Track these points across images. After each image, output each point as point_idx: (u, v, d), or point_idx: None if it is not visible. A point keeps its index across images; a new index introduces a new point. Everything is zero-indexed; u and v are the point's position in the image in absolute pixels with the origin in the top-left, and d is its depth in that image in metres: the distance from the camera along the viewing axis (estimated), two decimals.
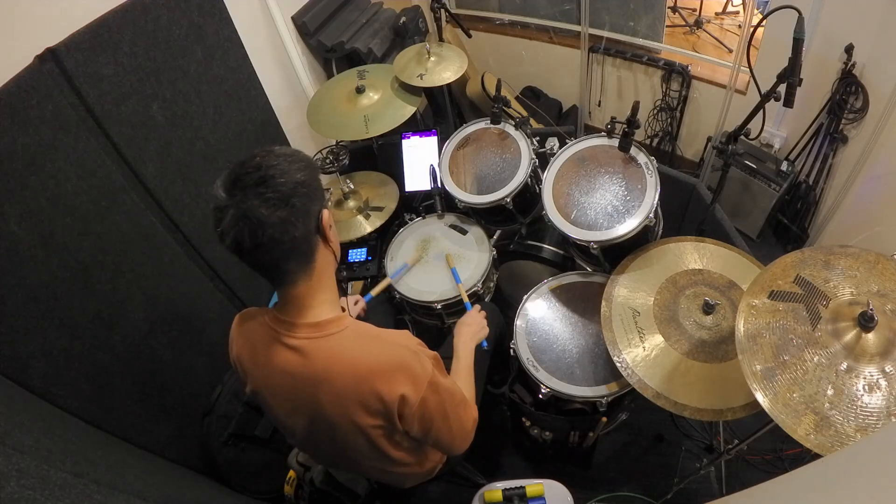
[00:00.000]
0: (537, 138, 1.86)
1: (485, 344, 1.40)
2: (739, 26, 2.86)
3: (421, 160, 2.07)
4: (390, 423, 0.97)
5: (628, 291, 1.46)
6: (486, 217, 1.90)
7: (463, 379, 1.20)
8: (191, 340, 1.69)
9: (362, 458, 1.07)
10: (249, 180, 0.81)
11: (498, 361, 1.63)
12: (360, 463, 1.10)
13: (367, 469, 1.14)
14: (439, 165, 1.87)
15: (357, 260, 2.02)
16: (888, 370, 0.95)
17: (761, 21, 1.52)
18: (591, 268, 1.71)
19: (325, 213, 0.91)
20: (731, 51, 2.75)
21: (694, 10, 3.04)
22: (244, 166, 0.83)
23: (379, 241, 2.05)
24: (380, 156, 2.33)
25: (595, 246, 1.46)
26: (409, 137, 2.10)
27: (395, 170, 2.15)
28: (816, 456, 0.86)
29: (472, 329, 1.35)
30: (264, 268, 0.89)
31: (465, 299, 1.65)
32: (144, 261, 1.52)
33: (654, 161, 1.48)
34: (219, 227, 0.82)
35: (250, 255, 0.84)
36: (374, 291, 1.65)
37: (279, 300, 0.96)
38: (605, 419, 1.44)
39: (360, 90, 2.08)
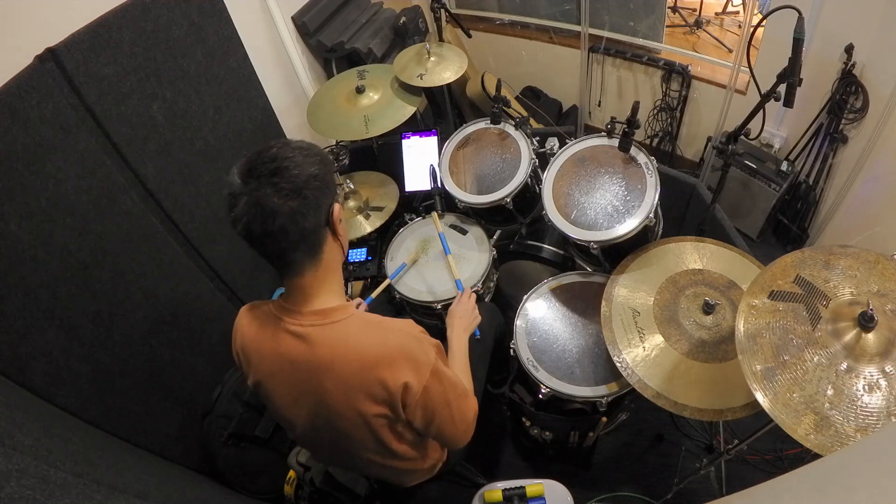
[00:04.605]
0: (537, 138, 1.86)
1: (477, 333, 1.39)
2: (739, 26, 2.86)
3: (421, 160, 2.07)
4: (394, 411, 0.97)
5: (628, 291, 1.46)
6: (486, 217, 1.90)
7: (460, 372, 1.20)
8: (191, 340, 1.69)
9: (364, 451, 1.07)
10: (264, 170, 0.83)
11: (498, 361, 1.63)
12: (361, 457, 1.10)
13: (368, 464, 1.14)
14: (439, 165, 1.87)
15: (357, 260, 2.02)
16: (888, 370, 0.95)
17: (761, 21, 1.52)
18: (591, 268, 1.71)
19: (336, 206, 0.93)
20: (731, 51, 2.75)
21: (694, 10, 3.04)
22: (260, 156, 0.85)
23: (379, 241, 2.05)
24: (380, 156, 2.33)
25: (595, 246, 1.45)
26: (409, 137, 2.10)
27: (395, 170, 2.15)
28: (816, 456, 0.86)
29: (464, 321, 1.34)
30: (272, 256, 0.91)
31: (457, 275, 1.64)
32: (144, 261, 1.52)
33: (654, 161, 1.48)
34: (232, 212, 0.85)
35: (260, 242, 0.86)
36: (375, 293, 1.65)
37: (285, 290, 0.97)
38: (605, 419, 1.44)
39: (360, 90, 2.08)
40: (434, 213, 1.82)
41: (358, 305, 1.51)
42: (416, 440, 1.12)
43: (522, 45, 3.17)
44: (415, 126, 2.22)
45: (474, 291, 1.71)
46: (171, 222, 1.63)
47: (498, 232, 1.98)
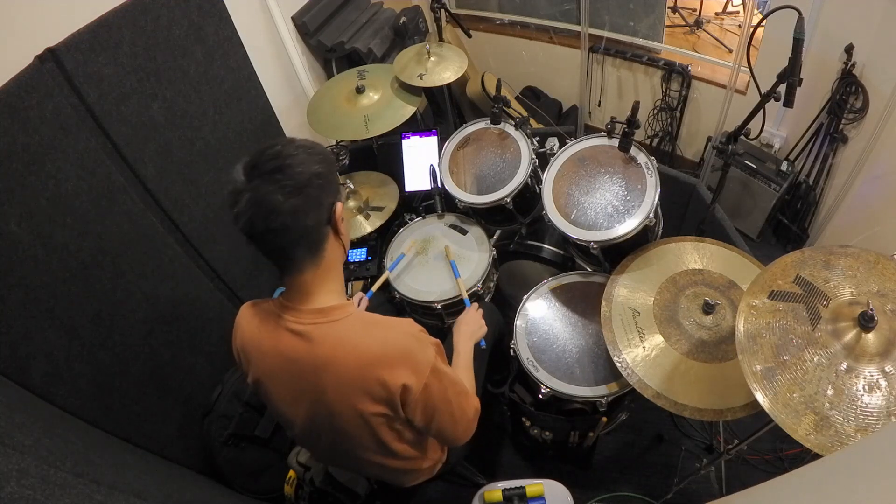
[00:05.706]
0: (537, 138, 1.86)
1: (483, 343, 1.40)
2: (739, 26, 2.86)
3: (421, 160, 2.07)
4: (393, 410, 0.97)
5: (628, 291, 1.46)
6: (486, 217, 1.90)
7: (463, 374, 1.21)
8: (191, 340, 1.68)
9: (363, 450, 1.07)
10: (268, 167, 0.84)
11: (498, 361, 1.63)
12: (360, 457, 1.10)
13: (367, 464, 1.14)
14: (439, 165, 1.87)
15: (357, 260, 2.02)
16: (888, 370, 0.95)
17: (761, 21, 1.52)
18: (591, 268, 1.71)
19: (339, 206, 0.94)
20: (731, 51, 2.75)
21: (694, 10, 3.04)
22: (264, 153, 0.86)
23: (379, 241, 2.05)
24: (380, 156, 2.33)
25: (595, 246, 1.45)
26: (409, 137, 2.10)
27: (395, 170, 2.15)
28: (816, 456, 0.86)
29: (470, 328, 1.36)
30: (273, 253, 0.92)
31: (464, 295, 1.65)
32: (144, 261, 1.52)
33: (654, 161, 1.48)
34: (234, 208, 0.85)
35: (261, 238, 0.87)
36: (375, 286, 1.65)
37: (286, 288, 0.97)
38: (605, 419, 1.44)
39: (360, 90, 2.08)
40: (446, 247, 1.82)
41: (360, 300, 1.51)
42: (415, 439, 1.12)
43: (522, 45, 3.17)
44: (415, 126, 2.22)
45: (474, 292, 1.72)
46: (171, 222, 1.63)
47: (498, 232, 1.98)
